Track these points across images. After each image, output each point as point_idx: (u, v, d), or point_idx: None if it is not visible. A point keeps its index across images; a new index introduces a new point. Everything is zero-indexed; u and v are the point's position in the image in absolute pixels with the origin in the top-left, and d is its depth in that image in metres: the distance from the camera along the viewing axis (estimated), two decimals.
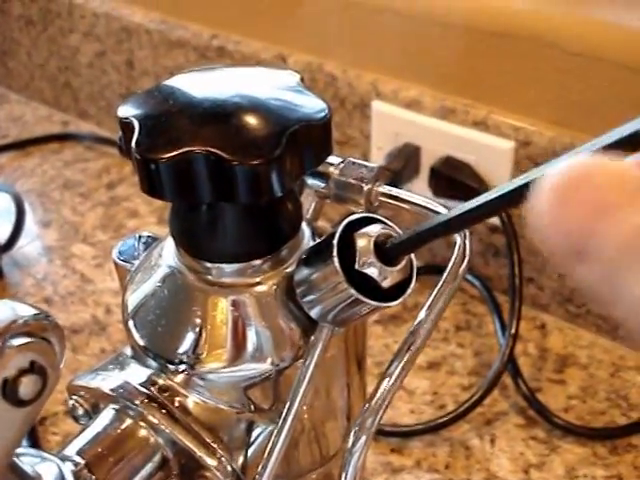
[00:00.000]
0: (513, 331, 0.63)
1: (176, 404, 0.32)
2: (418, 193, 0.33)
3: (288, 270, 0.31)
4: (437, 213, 0.32)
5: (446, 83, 0.68)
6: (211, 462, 0.31)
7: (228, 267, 0.31)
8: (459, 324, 0.70)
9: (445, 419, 0.61)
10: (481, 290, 0.72)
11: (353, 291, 0.27)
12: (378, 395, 0.30)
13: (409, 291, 0.28)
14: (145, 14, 0.87)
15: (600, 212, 0.18)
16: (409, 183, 0.70)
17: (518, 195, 0.21)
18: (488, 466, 0.59)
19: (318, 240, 0.31)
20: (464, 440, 0.61)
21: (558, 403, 0.63)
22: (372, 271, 0.27)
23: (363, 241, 0.27)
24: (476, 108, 0.66)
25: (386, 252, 0.27)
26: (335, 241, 0.27)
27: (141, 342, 0.32)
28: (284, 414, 0.30)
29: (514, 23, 0.62)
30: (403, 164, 0.68)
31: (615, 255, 0.18)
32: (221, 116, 0.28)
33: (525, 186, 0.21)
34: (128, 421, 0.32)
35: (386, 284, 0.27)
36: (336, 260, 0.27)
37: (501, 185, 0.22)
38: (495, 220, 0.66)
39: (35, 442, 0.60)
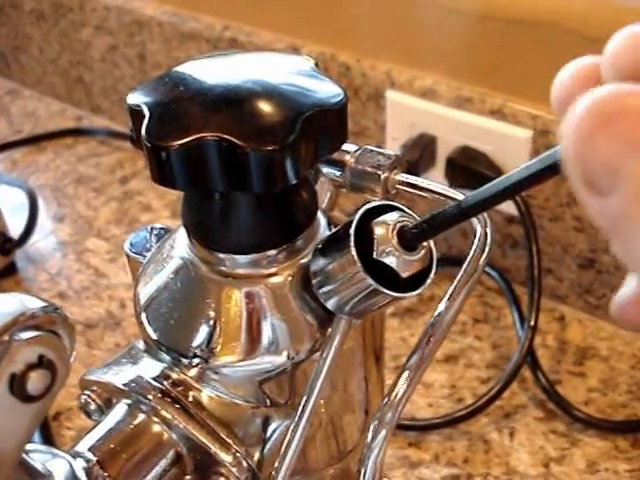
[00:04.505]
0: (532, 323, 0.62)
1: (190, 399, 0.31)
2: (436, 181, 0.32)
3: (304, 261, 0.30)
4: (456, 201, 0.31)
5: (462, 72, 0.67)
6: (226, 458, 0.30)
7: (242, 258, 0.30)
8: (477, 316, 0.69)
9: (463, 413, 0.60)
10: (499, 282, 0.71)
11: (371, 281, 0.26)
12: (397, 389, 0.29)
13: (429, 281, 0.27)
14: (157, 6, 0.87)
15: (635, 148, 0.17)
16: (425, 174, 0.69)
17: (535, 176, 0.21)
18: (507, 460, 0.58)
19: (334, 229, 0.30)
20: (483, 434, 0.60)
21: (578, 396, 0.62)
22: (391, 260, 0.26)
23: (381, 229, 0.26)
24: (493, 97, 0.65)
25: (405, 240, 0.26)
26: (352, 230, 0.27)
27: (154, 335, 0.32)
28: (301, 408, 0.29)
29: (531, 10, 0.61)
30: (419, 155, 0.67)
31: (636, 195, 0.17)
32: (233, 102, 0.27)
33: (541, 167, 0.21)
34: (141, 416, 0.31)
35: (405, 274, 0.26)
36: (353, 249, 0.26)
37: (516, 168, 0.22)
38: (513, 210, 0.65)
39: (48, 438, 0.60)
